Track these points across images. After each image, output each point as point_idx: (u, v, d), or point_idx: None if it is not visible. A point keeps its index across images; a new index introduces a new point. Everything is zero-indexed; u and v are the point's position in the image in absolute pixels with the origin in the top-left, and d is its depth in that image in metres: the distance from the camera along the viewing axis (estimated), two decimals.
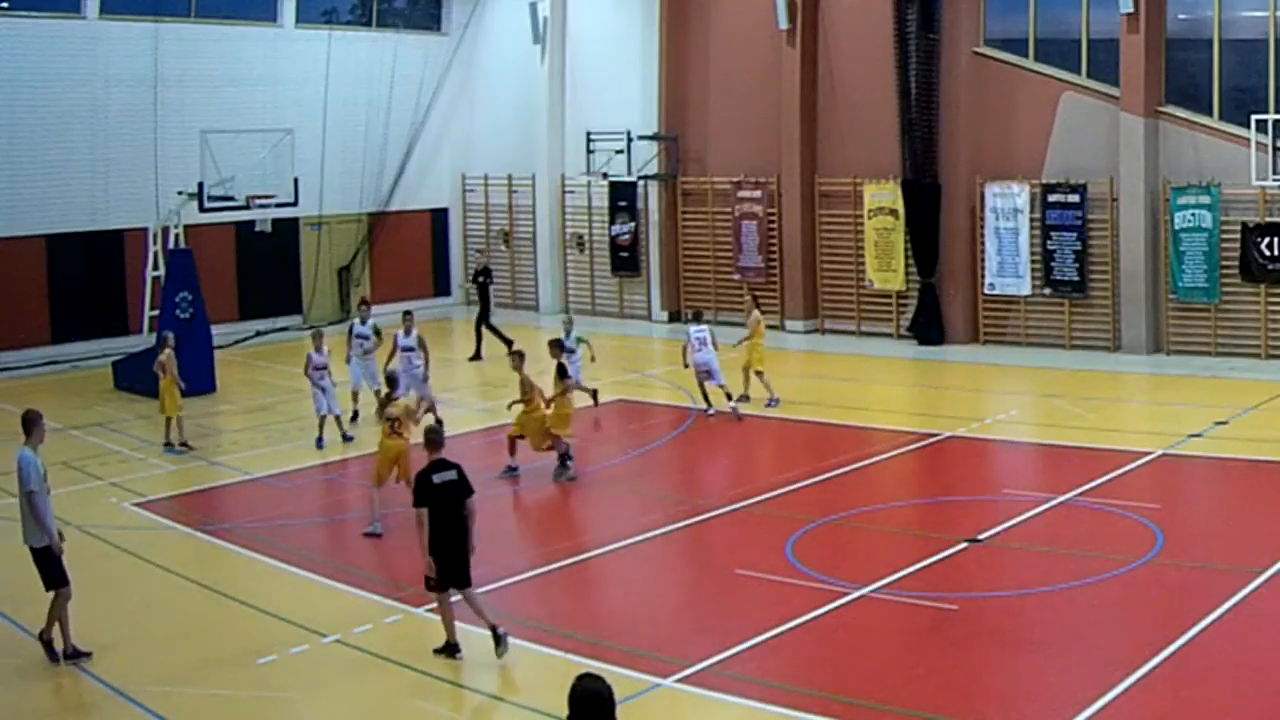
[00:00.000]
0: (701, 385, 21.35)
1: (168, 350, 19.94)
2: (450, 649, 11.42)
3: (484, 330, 27.20)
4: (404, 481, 14.75)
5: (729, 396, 21.16)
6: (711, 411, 21.12)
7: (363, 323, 21.11)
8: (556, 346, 19.49)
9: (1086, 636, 11.21)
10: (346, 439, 19.75)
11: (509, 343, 26.42)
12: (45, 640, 11.43)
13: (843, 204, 28.54)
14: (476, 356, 27.10)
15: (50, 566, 11.34)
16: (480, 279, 28.14)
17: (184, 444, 19.49)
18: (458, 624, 11.48)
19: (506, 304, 34.85)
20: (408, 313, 21.34)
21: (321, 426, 19.51)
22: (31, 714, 10.64)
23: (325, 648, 11.67)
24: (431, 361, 20.89)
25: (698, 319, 21.97)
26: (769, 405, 21.44)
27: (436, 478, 11.48)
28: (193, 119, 27.65)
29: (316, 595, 13.22)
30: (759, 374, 21.68)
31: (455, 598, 11.53)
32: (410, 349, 20.45)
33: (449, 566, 11.43)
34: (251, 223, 28.80)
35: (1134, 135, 24.40)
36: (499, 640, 11.22)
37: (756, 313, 22.14)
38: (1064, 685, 10.25)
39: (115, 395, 23.85)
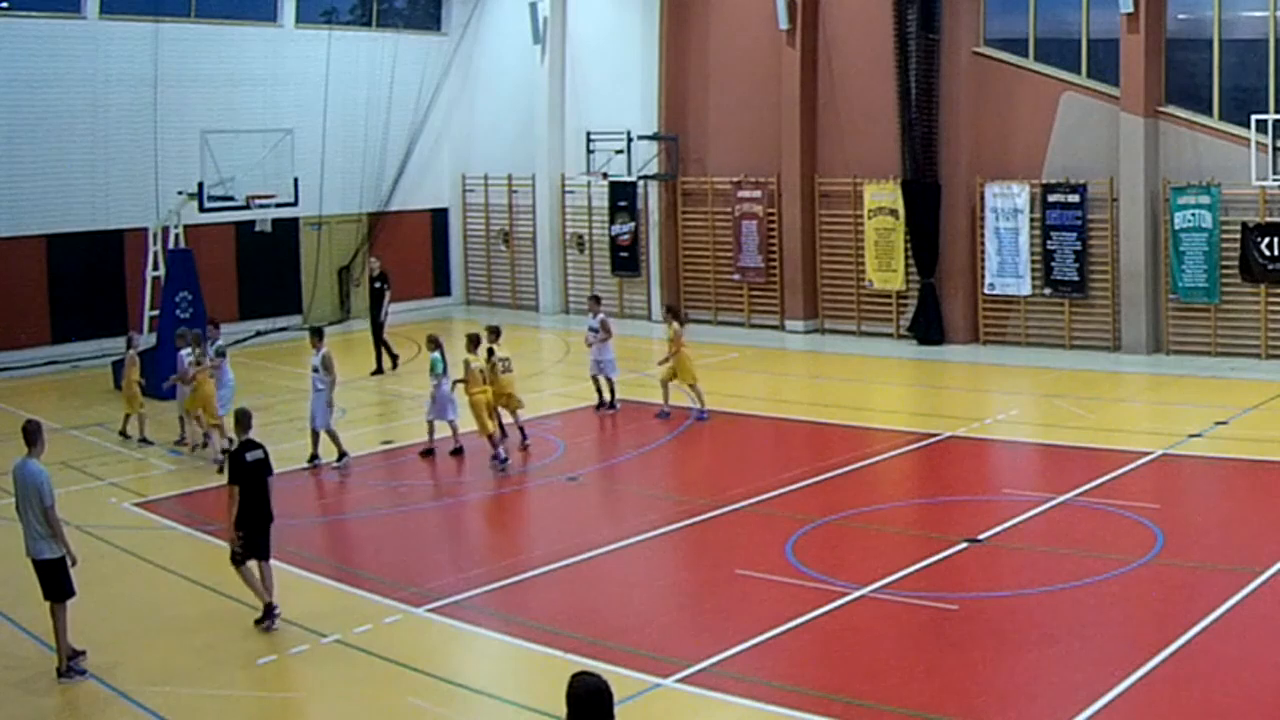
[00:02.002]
0: (595, 379, 21.58)
1: (131, 352, 20.34)
2: (268, 611, 12.12)
3: (381, 340, 25.89)
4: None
5: (613, 393, 21.58)
6: (615, 409, 21.38)
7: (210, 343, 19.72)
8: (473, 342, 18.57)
9: (1086, 636, 11.21)
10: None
11: (395, 358, 25.80)
12: (72, 656, 11.32)
13: (843, 204, 28.55)
14: (378, 370, 25.52)
15: (63, 578, 11.27)
16: (376, 284, 26.63)
17: (144, 439, 19.98)
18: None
19: (507, 304, 34.92)
20: (316, 330, 19.53)
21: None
22: (31, 713, 10.64)
23: (325, 648, 11.67)
24: (338, 384, 18.99)
25: (598, 304, 22.24)
26: (659, 416, 20.96)
27: (248, 456, 12.31)
28: (193, 119, 27.67)
29: (316, 595, 13.22)
30: (665, 383, 21.12)
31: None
32: (315, 370, 18.55)
33: (254, 539, 12.21)
34: (251, 222, 28.82)
35: (1134, 135, 24.39)
36: (269, 615, 12.09)
37: (676, 324, 21.25)
38: (1064, 685, 10.26)
39: (115, 395, 23.74)
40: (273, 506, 12.51)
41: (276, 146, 26.23)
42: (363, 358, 26.16)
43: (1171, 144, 24.36)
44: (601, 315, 21.89)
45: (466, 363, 18.29)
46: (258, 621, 12.14)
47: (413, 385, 24.20)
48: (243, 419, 12.74)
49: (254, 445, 12.46)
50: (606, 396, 21.67)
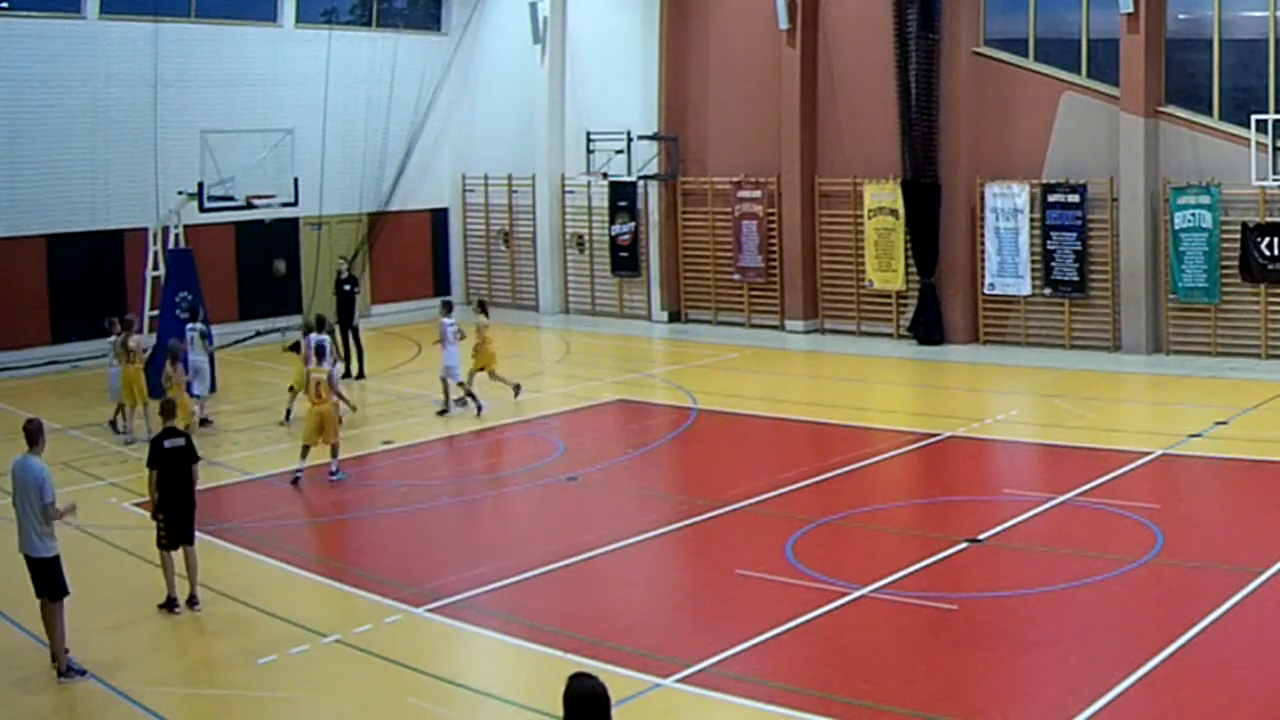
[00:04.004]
0: (445, 381, 21.59)
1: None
2: (170, 604, 12.63)
3: (353, 343, 25.26)
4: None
5: (471, 396, 21.57)
6: (449, 411, 21.30)
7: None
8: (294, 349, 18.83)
9: (1086, 636, 11.21)
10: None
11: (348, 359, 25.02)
12: (65, 656, 11.31)
13: (843, 204, 28.54)
14: (347, 374, 24.22)
15: (58, 576, 11.27)
16: (346, 287, 26.20)
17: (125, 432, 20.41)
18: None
19: (506, 304, 34.91)
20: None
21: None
22: (31, 713, 10.63)
23: (325, 648, 11.66)
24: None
25: (449, 310, 22.31)
26: (468, 405, 21.55)
27: (167, 443, 12.79)
28: (193, 119, 27.64)
29: (316, 595, 13.23)
30: (490, 373, 21.90)
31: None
32: None
33: (175, 525, 12.73)
34: (251, 222, 28.82)
35: (1134, 135, 24.39)
36: (172, 604, 12.63)
37: (483, 317, 22.25)
38: (1064, 685, 10.25)
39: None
40: (194, 494, 12.91)
41: (276, 146, 26.22)
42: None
43: (1171, 144, 24.36)
44: (443, 320, 21.78)
45: (307, 374, 18.10)
46: (161, 606, 12.61)
47: (413, 385, 24.22)
48: (165, 408, 13.24)
49: (175, 434, 12.88)
50: (447, 397, 21.63)
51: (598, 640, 11.55)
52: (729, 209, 30.32)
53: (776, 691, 10.36)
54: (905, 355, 26.48)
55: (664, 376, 24.91)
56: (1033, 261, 25.92)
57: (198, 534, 15.27)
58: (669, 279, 31.54)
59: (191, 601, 12.67)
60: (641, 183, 31.44)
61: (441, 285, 35.69)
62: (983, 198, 26.46)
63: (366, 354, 25.57)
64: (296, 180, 26.40)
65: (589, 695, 5.91)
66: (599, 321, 32.21)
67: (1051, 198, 25.55)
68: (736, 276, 30.32)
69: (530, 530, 16.07)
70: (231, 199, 25.33)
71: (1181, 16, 24.56)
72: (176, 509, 12.74)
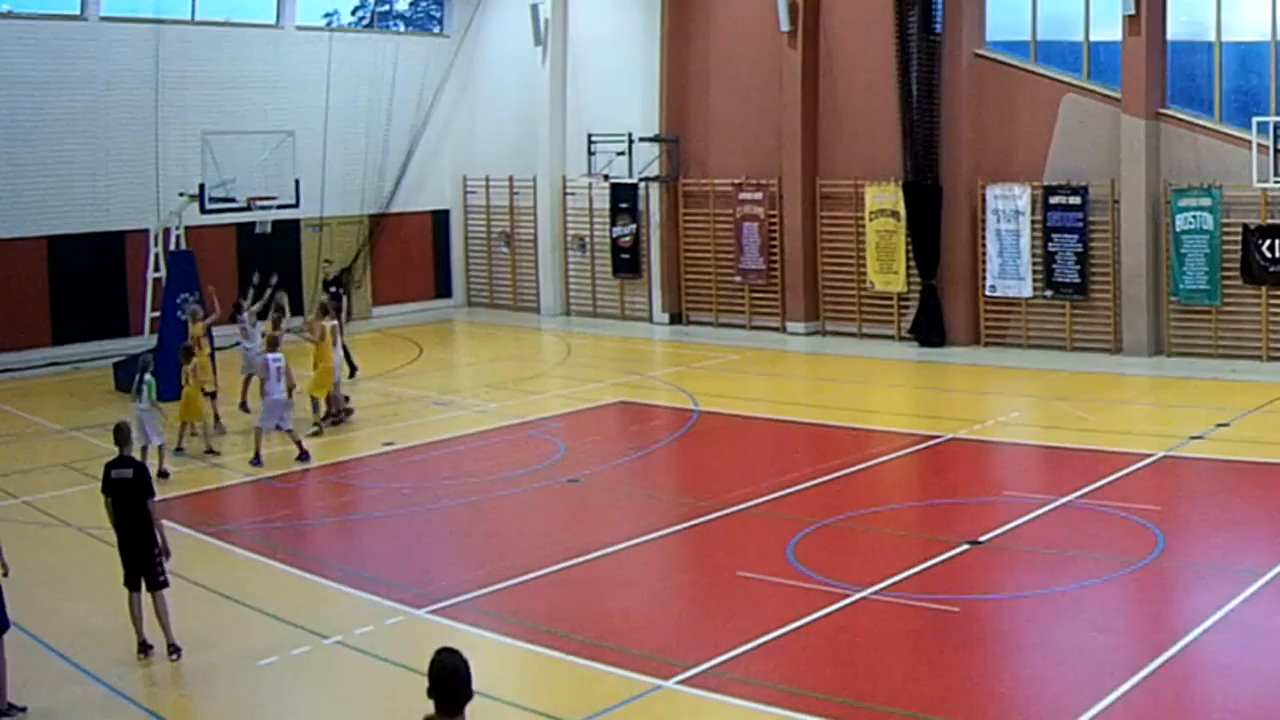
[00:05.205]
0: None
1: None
2: (141, 648, 11.44)
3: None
4: None
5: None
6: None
7: None
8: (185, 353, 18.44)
9: (1087, 638, 11.20)
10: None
11: (354, 369, 24.56)
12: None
13: (844, 206, 28.54)
14: (351, 374, 24.22)
15: None
16: (331, 289, 25.90)
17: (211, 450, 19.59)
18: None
19: (508, 305, 34.93)
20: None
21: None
22: (30, 713, 10.62)
23: (326, 649, 11.66)
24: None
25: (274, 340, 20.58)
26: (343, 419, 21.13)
27: (114, 473, 11.73)
28: (194, 120, 27.69)
29: (317, 596, 13.21)
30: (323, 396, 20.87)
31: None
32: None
33: (126, 562, 11.55)
34: (253, 224, 28.83)
35: (1135, 137, 24.40)
36: (172, 651, 11.38)
37: (324, 321, 21.08)
38: (1064, 687, 10.25)
39: (116, 396, 23.81)
40: (151, 533, 11.59)
41: (278, 148, 26.24)
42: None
43: (1173, 146, 24.36)
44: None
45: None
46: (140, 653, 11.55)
47: (414, 386, 24.21)
48: (117, 434, 12.12)
49: (124, 464, 11.79)
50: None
51: (599, 642, 11.55)
52: (730, 211, 30.31)
53: (778, 693, 10.35)
54: (906, 357, 26.47)
55: (665, 378, 24.90)
56: (1034, 263, 25.91)
57: (199, 535, 15.37)
58: (670, 281, 31.54)
59: (171, 651, 11.40)
60: (643, 184, 31.43)
61: (443, 287, 35.73)
62: (984, 200, 26.45)
63: (354, 352, 25.15)
64: (298, 182, 26.44)
65: (450, 671, 6.58)
66: (600, 323, 32.20)
67: (1053, 200, 25.54)
68: (738, 278, 30.32)
69: (532, 532, 16.05)
70: (233, 200, 25.37)
71: (1183, 19, 24.57)
72: (125, 546, 11.56)
